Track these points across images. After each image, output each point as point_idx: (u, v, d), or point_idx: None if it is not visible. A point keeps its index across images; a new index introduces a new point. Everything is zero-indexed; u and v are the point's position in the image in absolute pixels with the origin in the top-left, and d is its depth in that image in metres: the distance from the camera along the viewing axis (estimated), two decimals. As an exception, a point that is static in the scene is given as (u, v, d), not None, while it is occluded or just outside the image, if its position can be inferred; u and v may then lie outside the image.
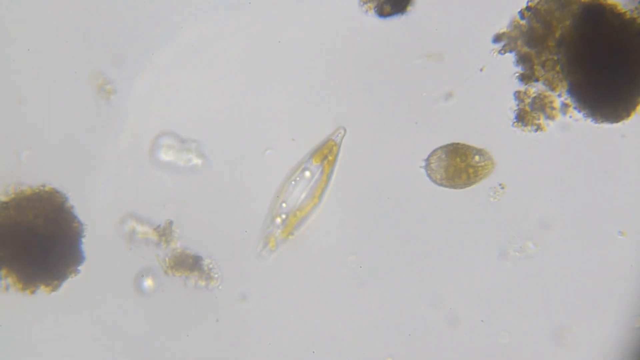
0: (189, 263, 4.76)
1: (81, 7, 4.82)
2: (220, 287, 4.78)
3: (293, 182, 4.80)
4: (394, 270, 4.82)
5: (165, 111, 4.84)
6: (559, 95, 4.71)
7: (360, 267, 4.82)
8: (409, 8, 4.79)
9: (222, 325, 4.80)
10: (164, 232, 4.76)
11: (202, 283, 4.77)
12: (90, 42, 4.81)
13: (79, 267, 4.64)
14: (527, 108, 4.74)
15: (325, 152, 4.81)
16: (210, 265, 4.77)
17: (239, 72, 4.85)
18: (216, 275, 4.77)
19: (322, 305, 4.83)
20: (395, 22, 4.79)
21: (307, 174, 4.81)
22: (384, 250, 4.83)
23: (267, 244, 4.80)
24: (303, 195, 4.80)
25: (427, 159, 4.79)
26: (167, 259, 4.76)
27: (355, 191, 4.83)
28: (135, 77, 4.82)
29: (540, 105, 4.73)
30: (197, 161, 4.81)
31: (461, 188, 4.81)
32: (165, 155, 4.80)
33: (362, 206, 4.83)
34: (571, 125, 4.75)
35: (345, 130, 4.81)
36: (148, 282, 4.78)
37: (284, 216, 4.80)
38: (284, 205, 4.80)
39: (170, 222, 4.77)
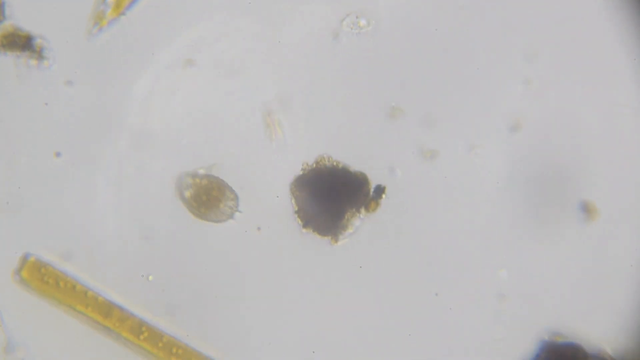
0: (20, 43, 4.78)
1: (81, 6, 4.88)
2: (51, 67, 4.81)
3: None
4: (394, 268, 4.86)
5: (166, 111, 4.87)
6: None
7: (360, 267, 4.86)
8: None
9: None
10: (-4, 10, 4.76)
11: (34, 62, 4.78)
12: (90, 43, 4.85)
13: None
14: None
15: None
16: (43, 45, 4.79)
17: (238, 73, 4.89)
18: (48, 55, 4.79)
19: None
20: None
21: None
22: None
23: (98, 22, 4.85)
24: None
25: None
26: (-3, 34, 4.75)
27: None
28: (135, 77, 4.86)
29: None
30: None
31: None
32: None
33: None
34: None
35: None
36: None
37: (115, -4, 4.86)
38: (116, -13, 4.87)
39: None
